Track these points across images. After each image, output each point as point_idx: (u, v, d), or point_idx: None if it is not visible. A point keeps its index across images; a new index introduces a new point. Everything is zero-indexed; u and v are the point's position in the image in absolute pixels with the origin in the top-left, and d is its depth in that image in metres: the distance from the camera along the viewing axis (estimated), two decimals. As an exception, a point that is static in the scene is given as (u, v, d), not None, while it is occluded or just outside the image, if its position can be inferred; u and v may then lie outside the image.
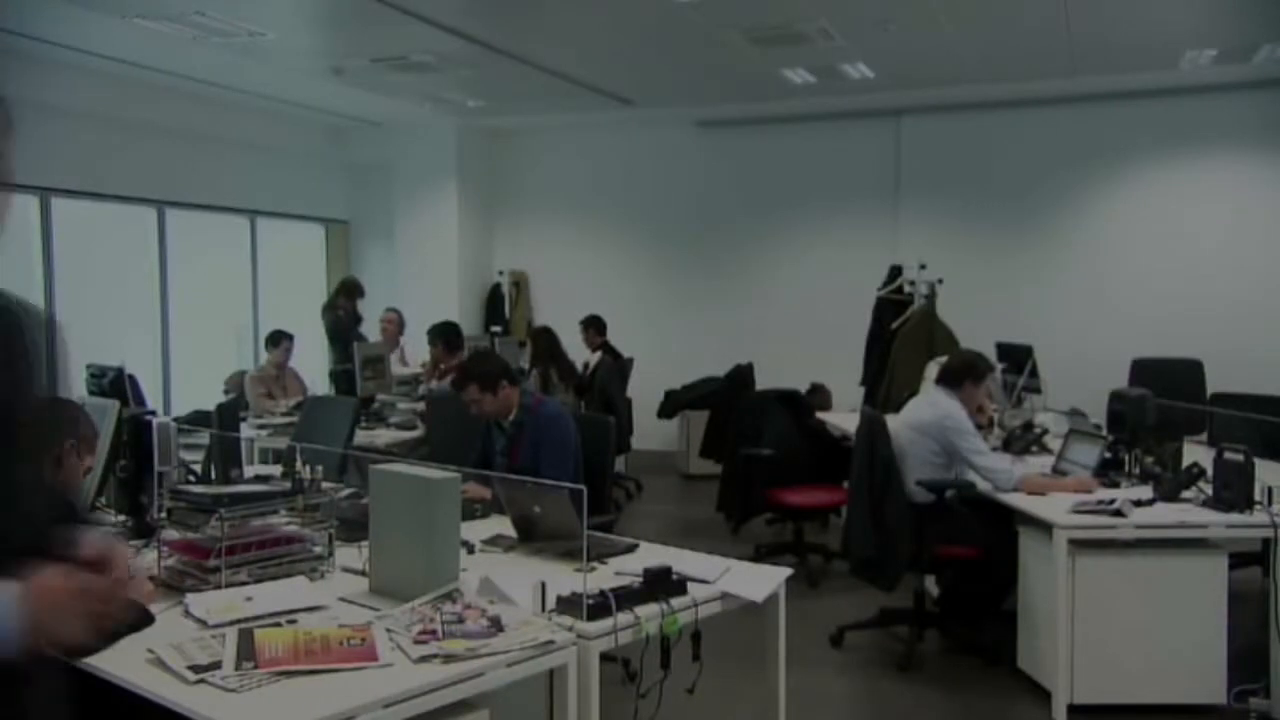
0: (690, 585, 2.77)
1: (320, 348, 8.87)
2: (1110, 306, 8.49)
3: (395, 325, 8.51)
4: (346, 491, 3.85)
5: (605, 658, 2.58)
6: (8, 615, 1.31)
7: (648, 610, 2.59)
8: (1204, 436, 5.63)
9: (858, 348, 7.94)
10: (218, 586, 2.66)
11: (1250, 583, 4.55)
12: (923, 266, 7.51)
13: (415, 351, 8.33)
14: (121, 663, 2.23)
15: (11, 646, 1.32)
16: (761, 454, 5.96)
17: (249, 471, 4.34)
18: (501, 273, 10.66)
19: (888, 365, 7.22)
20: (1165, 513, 3.96)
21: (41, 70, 7.35)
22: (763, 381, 7.36)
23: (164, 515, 3.00)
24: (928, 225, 8.99)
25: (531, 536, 3.31)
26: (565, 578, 2.74)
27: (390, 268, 10.47)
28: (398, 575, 2.64)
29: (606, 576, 2.85)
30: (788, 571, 3.04)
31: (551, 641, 2.35)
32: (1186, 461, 4.25)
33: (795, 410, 6.39)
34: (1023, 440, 5.34)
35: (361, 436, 5.54)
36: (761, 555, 5.72)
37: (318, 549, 2.94)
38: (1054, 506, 4.06)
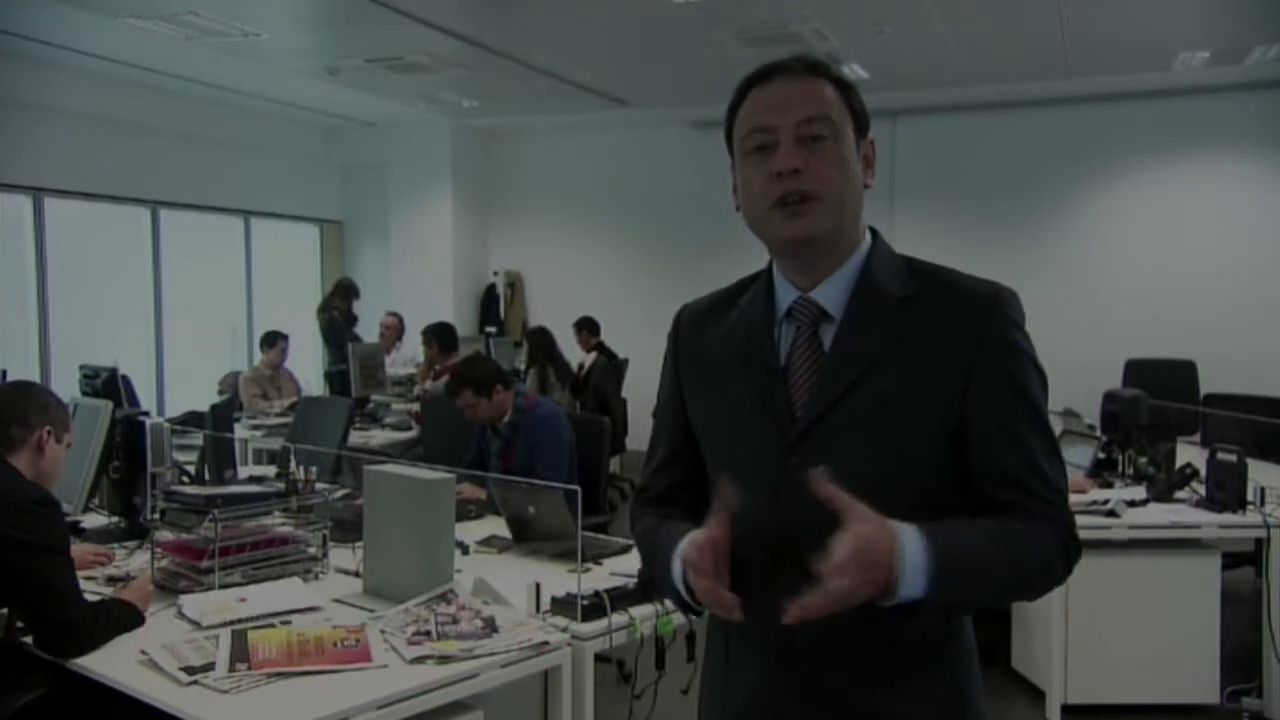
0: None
1: (314, 349, 8.85)
2: (1104, 307, 8.50)
3: (395, 329, 8.50)
4: (340, 492, 3.85)
5: (600, 658, 2.58)
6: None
7: (642, 611, 2.59)
8: (1197, 437, 5.63)
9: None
10: (211, 588, 2.65)
11: (1243, 583, 4.56)
12: (917, 267, 7.49)
13: (409, 354, 8.31)
14: (114, 664, 2.23)
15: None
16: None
17: (243, 472, 4.34)
18: (496, 273, 10.64)
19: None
20: (1158, 513, 3.96)
21: (34, 70, 7.34)
22: (758, 382, 7.35)
23: (157, 516, 3.00)
24: (922, 226, 8.98)
25: (526, 537, 3.31)
26: (560, 578, 2.74)
27: (385, 268, 10.46)
28: (392, 576, 2.63)
29: (601, 577, 2.84)
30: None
31: (546, 642, 2.35)
32: (1180, 462, 4.26)
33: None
34: (1017, 441, 5.33)
35: (356, 437, 5.53)
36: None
37: (312, 550, 2.93)
38: (1048, 507, 4.06)
